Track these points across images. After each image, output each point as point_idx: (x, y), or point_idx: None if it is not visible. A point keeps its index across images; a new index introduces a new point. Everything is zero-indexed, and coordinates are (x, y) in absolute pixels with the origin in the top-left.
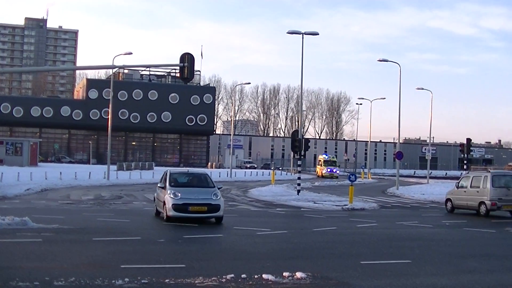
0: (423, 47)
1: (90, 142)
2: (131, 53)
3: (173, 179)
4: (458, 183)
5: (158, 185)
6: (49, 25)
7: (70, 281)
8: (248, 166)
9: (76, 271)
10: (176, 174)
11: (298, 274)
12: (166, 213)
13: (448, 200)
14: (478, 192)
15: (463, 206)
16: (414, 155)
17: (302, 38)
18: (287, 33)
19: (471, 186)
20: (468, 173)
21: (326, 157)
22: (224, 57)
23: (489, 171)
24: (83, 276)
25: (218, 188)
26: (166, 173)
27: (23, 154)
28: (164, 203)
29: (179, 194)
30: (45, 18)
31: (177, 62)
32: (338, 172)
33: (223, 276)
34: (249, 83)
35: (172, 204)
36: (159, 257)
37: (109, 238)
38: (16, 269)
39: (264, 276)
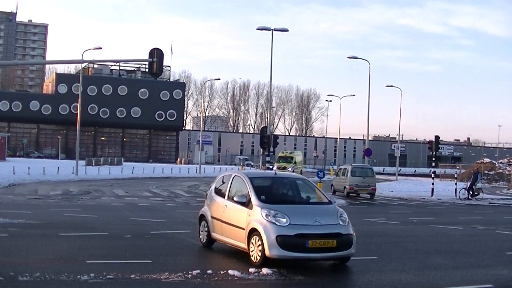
0: (392, 44)
1: (59, 137)
2: (101, 48)
3: (261, 189)
4: (337, 173)
5: (213, 194)
6: (19, 18)
7: (35, 276)
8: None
9: (42, 266)
10: (261, 180)
11: (264, 270)
12: (264, 250)
13: (332, 185)
14: (344, 179)
15: (338, 189)
16: (383, 152)
17: (272, 34)
18: (257, 29)
19: (342, 175)
20: (345, 166)
21: (283, 153)
22: (194, 53)
23: (355, 165)
24: (48, 271)
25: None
26: (242, 178)
27: None
28: (254, 232)
29: (287, 218)
30: (14, 11)
31: (147, 57)
32: (290, 169)
33: (189, 272)
34: (219, 79)
35: (278, 236)
36: (126, 253)
37: (75, 234)
38: None
39: (230, 272)
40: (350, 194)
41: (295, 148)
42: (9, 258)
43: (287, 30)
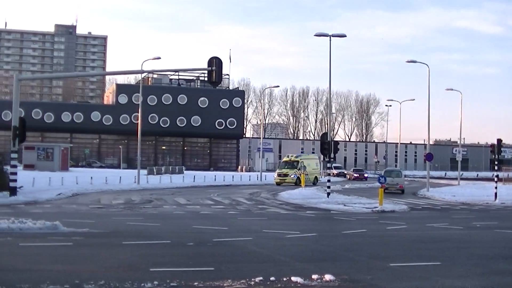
0: (450, 47)
1: (120, 146)
2: (160, 58)
3: None
4: None
5: None
6: (79, 31)
7: (100, 284)
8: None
9: (106, 274)
10: None
11: (327, 277)
12: None
13: None
14: None
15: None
16: (444, 156)
17: (330, 40)
18: (315, 35)
19: None
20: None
21: (288, 156)
22: (252, 61)
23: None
24: (112, 279)
25: None
26: None
27: (54, 159)
28: None
29: None
30: (74, 24)
31: (206, 66)
32: (293, 176)
33: (252, 279)
34: (278, 86)
35: None
36: (188, 260)
37: (138, 242)
38: (47, 272)
39: (293, 278)
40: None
41: (355, 154)
42: (74, 266)
43: (345, 36)
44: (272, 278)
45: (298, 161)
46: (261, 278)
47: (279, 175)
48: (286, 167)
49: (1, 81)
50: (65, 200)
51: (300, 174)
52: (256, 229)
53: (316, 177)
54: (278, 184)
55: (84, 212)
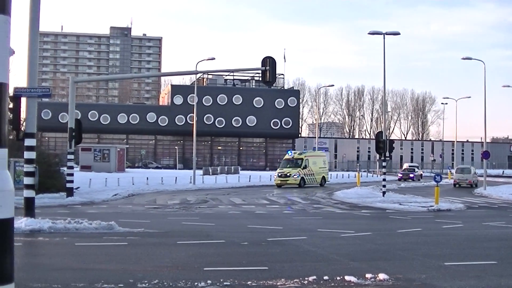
0: (506, 43)
1: (176, 147)
2: (214, 59)
3: None
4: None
5: None
6: (134, 33)
7: (154, 283)
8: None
9: (159, 274)
10: None
11: (381, 276)
12: None
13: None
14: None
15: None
16: (502, 154)
17: (384, 38)
18: (368, 33)
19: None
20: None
21: (290, 154)
22: (307, 60)
23: None
24: (166, 279)
25: None
26: None
27: (110, 160)
28: None
29: None
30: (129, 26)
31: (259, 66)
32: (296, 176)
33: (305, 278)
34: (333, 85)
35: None
36: (242, 260)
37: (193, 242)
38: (101, 271)
39: (346, 277)
40: (455, 185)
41: (411, 152)
42: (129, 265)
43: (399, 34)
44: (325, 277)
45: (302, 159)
46: (314, 277)
47: (279, 175)
48: (288, 166)
49: (58, 84)
50: (121, 200)
51: (304, 174)
52: (311, 228)
53: (323, 177)
54: (278, 186)
55: (139, 212)
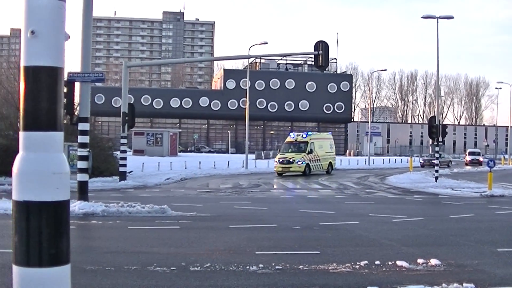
0: None
1: (228, 131)
2: (267, 43)
3: None
4: None
5: None
6: (186, 18)
7: (205, 266)
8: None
9: (211, 257)
10: None
11: (433, 261)
12: None
13: None
14: None
15: None
16: None
17: (437, 22)
18: (422, 17)
19: None
20: None
21: (293, 136)
22: (359, 44)
23: None
24: (218, 262)
25: None
26: None
27: (163, 144)
28: None
29: None
30: (182, 11)
31: (312, 50)
32: (300, 163)
33: (357, 263)
34: (386, 70)
35: None
36: (294, 244)
37: (245, 226)
38: (154, 254)
39: (398, 262)
40: None
41: (464, 137)
42: (181, 249)
43: (452, 18)
44: (377, 262)
45: (306, 142)
46: (366, 262)
47: (281, 161)
48: (290, 150)
49: (111, 69)
50: (174, 184)
51: (310, 160)
52: (363, 213)
53: (330, 163)
54: (279, 174)
55: (192, 196)
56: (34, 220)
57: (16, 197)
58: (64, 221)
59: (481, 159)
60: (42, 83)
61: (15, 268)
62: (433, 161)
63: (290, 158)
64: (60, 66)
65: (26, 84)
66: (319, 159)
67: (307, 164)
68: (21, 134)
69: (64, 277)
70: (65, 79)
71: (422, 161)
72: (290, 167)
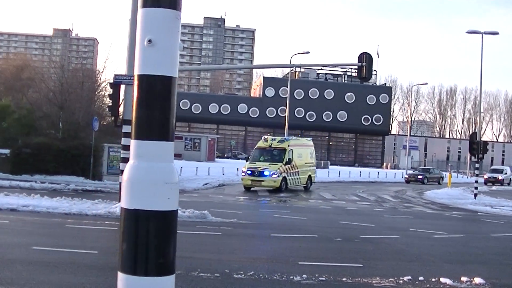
0: None
1: None
2: (308, 52)
3: None
4: None
5: None
6: (227, 24)
7: (249, 274)
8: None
9: (254, 265)
10: None
11: (476, 280)
12: None
13: None
14: None
15: None
16: None
17: (482, 38)
18: (467, 32)
19: None
20: None
21: (266, 140)
22: (399, 57)
23: None
24: (261, 271)
25: None
26: None
27: (201, 149)
28: None
29: None
30: (223, 17)
31: (352, 61)
32: (275, 176)
33: (400, 278)
34: (426, 84)
35: None
36: (336, 256)
37: (286, 235)
38: (197, 260)
39: (441, 279)
40: None
41: (503, 155)
42: (224, 255)
43: (498, 33)
44: (420, 278)
45: (284, 150)
46: (409, 277)
47: (251, 172)
48: (263, 158)
49: None
50: (212, 190)
51: (287, 172)
52: (403, 227)
53: (310, 176)
54: (247, 188)
55: (231, 202)
56: (143, 228)
57: (125, 205)
58: (173, 231)
59: (500, 177)
60: (156, 92)
61: (120, 276)
62: (418, 177)
63: (263, 168)
64: (174, 76)
65: (139, 93)
66: (298, 172)
67: (284, 178)
68: (133, 142)
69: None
70: (111, 81)
71: (407, 176)
72: (262, 181)
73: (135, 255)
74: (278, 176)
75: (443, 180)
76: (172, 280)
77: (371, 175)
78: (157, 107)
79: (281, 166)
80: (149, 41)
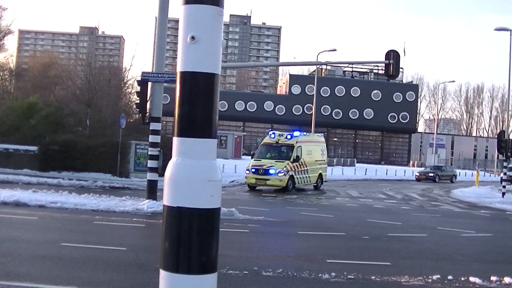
0: None
1: None
2: (335, 50)
3: None
4: None
5: None
6: (253, 21)
7: (278, 272)
8: None
9: (283, 263)
10: None
11: (506, 279)
12: None
13: None
14: None
15: None
16: None
17: (510, 35)
18: (495, 30)
19: None
20: None
21: (273, 136)
22: (425, 54)
23: None
24: (290, 268)
25: None
26: None
27: (227, 147)
28: None
29: None
30: (249, 15)
31: (378, 58)
32: (281, 174)
33: (429, 276)
34: (454, 81)
35: None
36: (364, 254)
37: (313, 233)
38: (225, 257)
39: (471, 278)
40: None
41: None
42: (252, 253)
43: None
44: (449, 277)
45: (292, 146)
46: (438, 276)
47: (255, 170)
48: (269, 155)
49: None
50: (239, 187)
51: (294, 170)
52: (430, 225)
53: (320, 175)
54: (251, 187)
55: (257, 200)
56: (186, 226)
57: (168, 203)
58: (216, 228)
59: None
60: (199, 89)
61: (162, 273)
62: (429, 175)
63: (268, 166)
64: (217, 73)
65: (182, 90)
66: (307, 170)
67: (291, 176)
68: (176, 139)
69: (212, 286)
70: (139, 78)
71: (417, 174)
72: (268, 180)
73: (177, 253)
74: (284, 174)
75: (456, 178)
76: (214, 278)
77: (397, 173)
78: (200, 105)
79: (288, 163)
80: (192, 37)
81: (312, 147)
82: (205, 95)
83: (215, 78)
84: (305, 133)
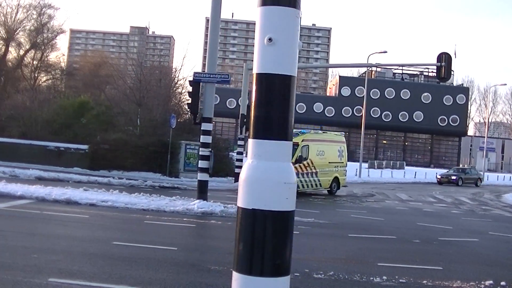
0: None
1: None
2: (386, 52)
3: None
4: None
5: None
6: (303, 23)
7: (329, 274)
8: None
9: (334, 265)
10: None
11: None
12: None
13: None
14: None
15: None
16: None
17: None
18: None
19: None
20: None
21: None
22: (476, 57)
23: None
24: (341, 271)
25: None
26: None
27: None
28: None
29: None
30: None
31: (428, 60)
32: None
33: (481, 282)
34: (505, 84)
35: None
36: (415, 258)
37: (363, 235)
38: None
39: None
40: None
41: None
42: (302, 255)
43: None
44: (502, 283)
45: (296, 145)
46: (491, 282)
47: None
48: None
49: (227, 70)
50: None
51: (298, 172)
52: (481, 230)
53: (336, 178)
54: None
55: (306, 201)
56: (260, 229)
57: (243, 205)
58: (290, 231)
59: None
60: (275, 91)
61: (235, 275)
62: (452, 178)
63: None
64: (293, 75)
65: (258, 91)
66: (316, 172)
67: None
68: (251, 141)
69: None
70: (190, 78)
71: (439, 177)
72: None
73: (251, 255)
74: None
75: (481, 182)
76: (287, 281)
77: None
78: (277, 107)
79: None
80: (270, 39)
81: (325, 147)
82: (282, 97)
83: (291, 80)
84: (316, 131)
